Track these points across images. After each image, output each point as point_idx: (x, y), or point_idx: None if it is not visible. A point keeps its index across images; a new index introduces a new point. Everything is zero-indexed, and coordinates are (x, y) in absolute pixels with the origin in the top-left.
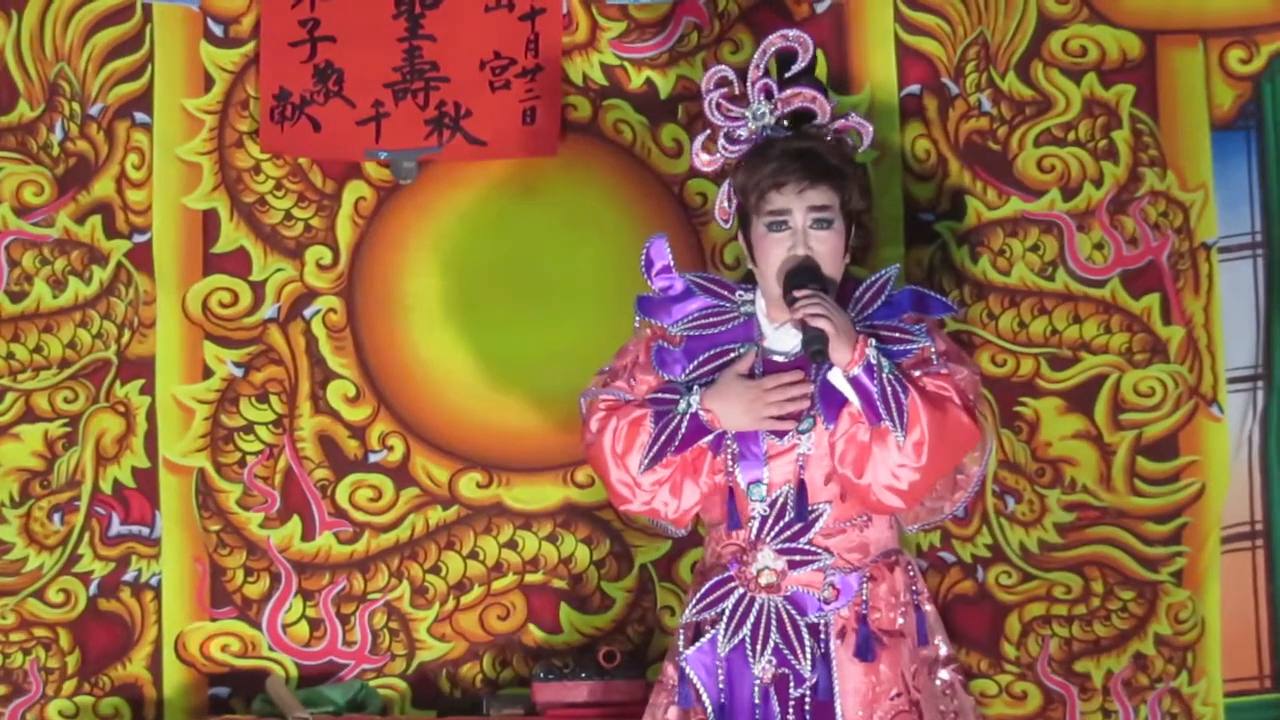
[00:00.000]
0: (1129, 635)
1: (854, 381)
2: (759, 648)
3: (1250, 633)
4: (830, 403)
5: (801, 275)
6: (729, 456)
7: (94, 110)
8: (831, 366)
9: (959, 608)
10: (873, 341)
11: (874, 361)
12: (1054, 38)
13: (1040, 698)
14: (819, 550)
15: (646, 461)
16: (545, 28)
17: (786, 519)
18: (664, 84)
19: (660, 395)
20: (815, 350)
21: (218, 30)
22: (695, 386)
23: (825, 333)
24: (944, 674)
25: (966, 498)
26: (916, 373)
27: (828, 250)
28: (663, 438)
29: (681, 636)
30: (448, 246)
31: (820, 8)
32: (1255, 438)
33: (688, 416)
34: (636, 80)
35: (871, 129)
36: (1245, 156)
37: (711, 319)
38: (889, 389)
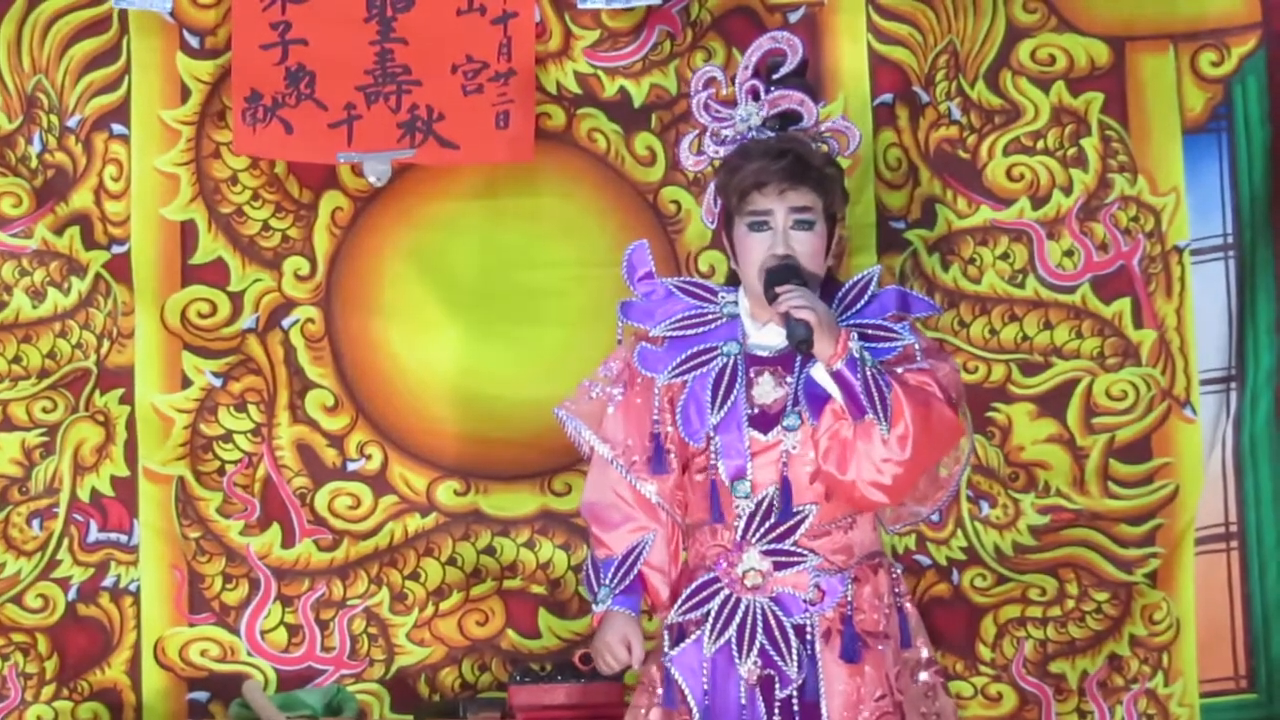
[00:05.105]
0: (1104, 636)
1: (837, 376)
2: (745, 648)
3: (1226, 633)
4: (813, 400)
5: (782, 273)
6: (713, 452)
7: (72, 122)
8: (815, 362)
9: (934, 610)
10: (855, 335)
11: (857, 355)
12: (1022, 46)
13: (1016, 699)
14: (805, 551)
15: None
16: (517, 32)
17: (773, 520)
18: (637, 92)
19: (599, 561)
20: (801, 341)
21: (194, 42)
22: (608, 591)
23: (810, 324)
24: (924, 676)
25: (947, 499)
26: (899, 369)
27: (808, 251)
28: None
29: (666, 637)
30: (424, 256)
31: (794, 17)
32: (1229, 439)
33: (595, 605)
34: (610, 89)
35: (859, 133)
36: (1217, 159)
37: (694, 320)
38: (872, 382)
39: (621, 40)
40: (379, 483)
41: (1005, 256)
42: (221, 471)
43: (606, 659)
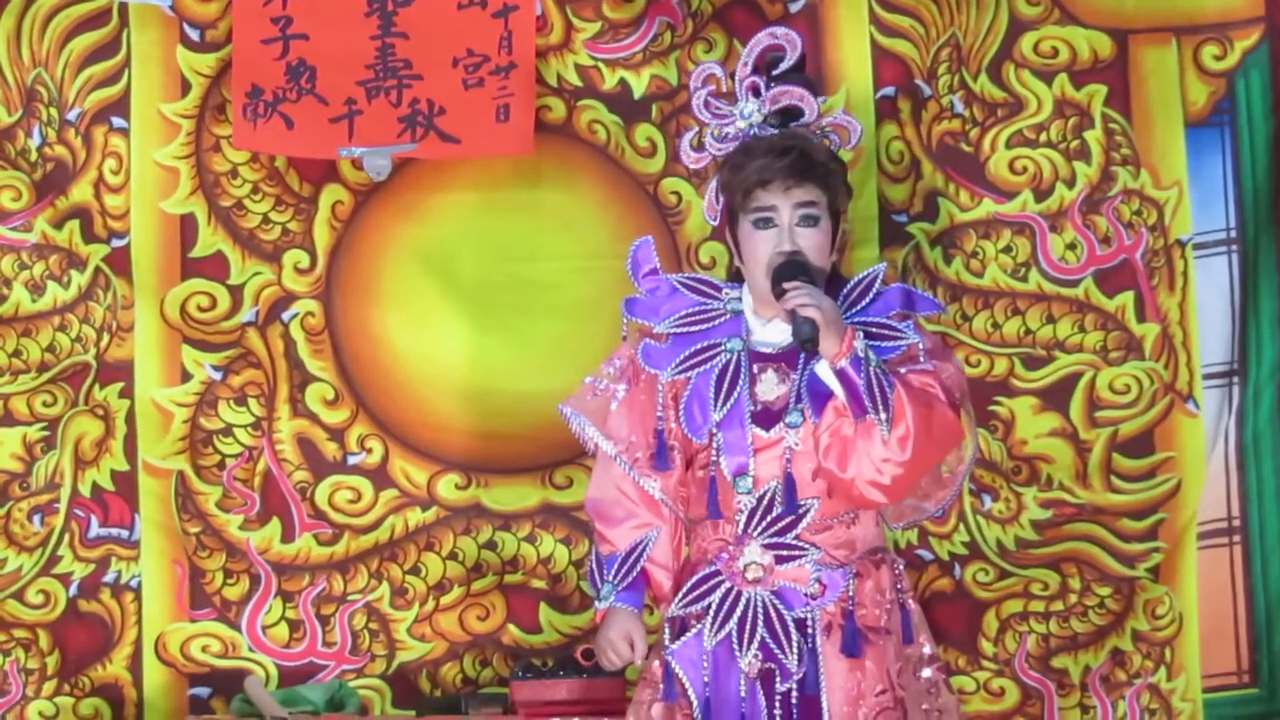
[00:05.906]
0: (1106, 631)
1: (840, 374)
2: (745, 642)
3: (1228, 628)
4: (816, 397)
5: (790, 269)
6: (715, 448)
7: (71, 115)
8: (819, 359)
9: (937, 605)
10: (860, 334)
11: (861, 354)
12: (1025, 39)
13: (1018, 694)
14: (806, 545)
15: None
16: (518, 25)
17: (775, 513)
18: (638, 84)
19: (602, 558)
20: (805, 339)
21: (194, 35)
22: (611, 588)
23: (815, 321)
24: (926, 672)
25: (950, 497)
26: (903, 369)
27: (814, 247)
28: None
29: (667, 630)
30: (424, 250)
31: (795, 8)
32: (1231, 433)
33: (598, 601)
34: (610, 80)
35: (860, 127)
36: (1220, 153)
37: (698, 317)
38: (875, 382)
39: (622, 32)
40: (379, 476)
41: (1008, 250)
42: (221, 466)
43: (609, 655)
